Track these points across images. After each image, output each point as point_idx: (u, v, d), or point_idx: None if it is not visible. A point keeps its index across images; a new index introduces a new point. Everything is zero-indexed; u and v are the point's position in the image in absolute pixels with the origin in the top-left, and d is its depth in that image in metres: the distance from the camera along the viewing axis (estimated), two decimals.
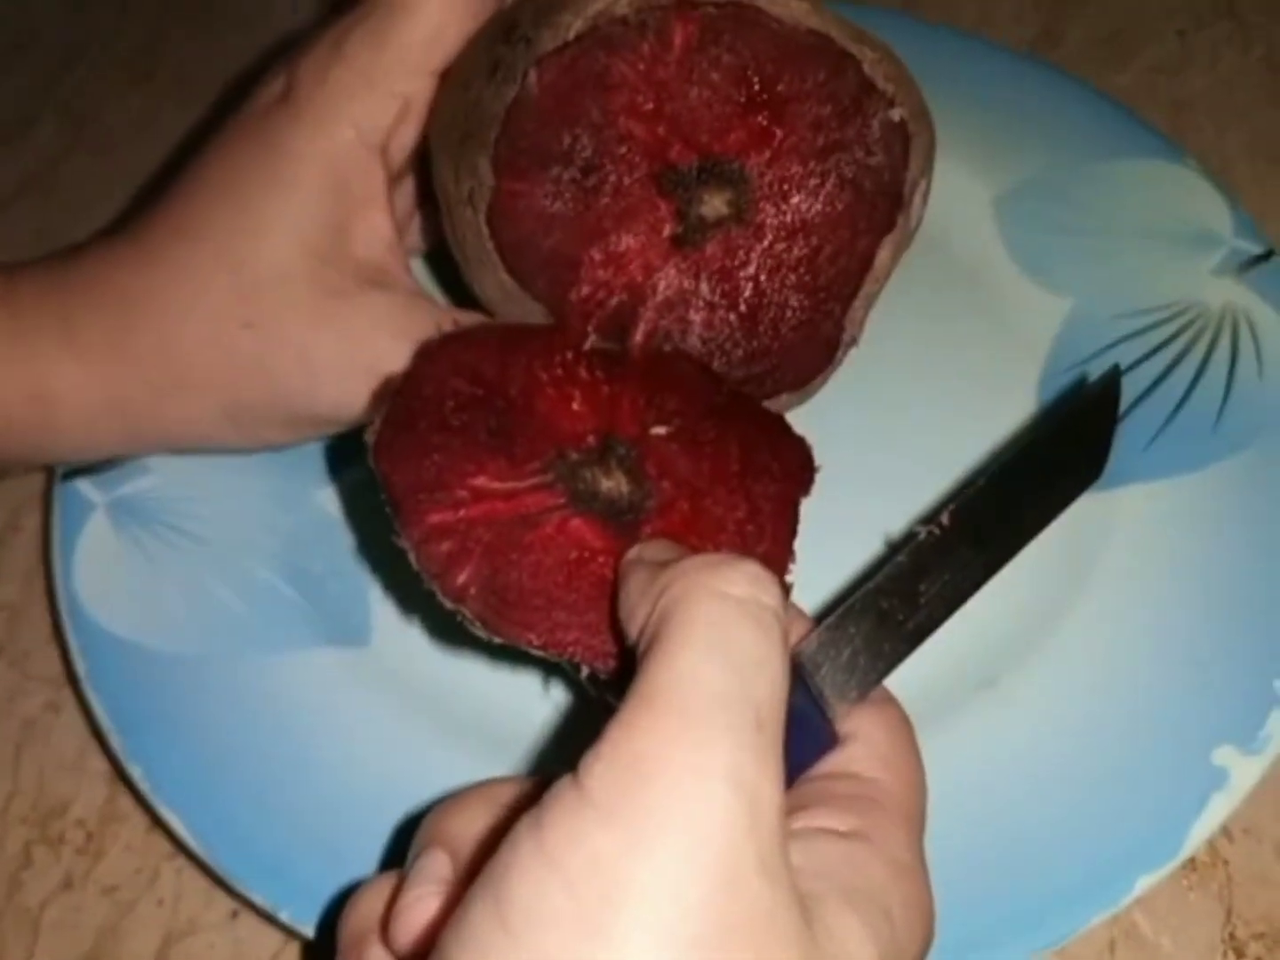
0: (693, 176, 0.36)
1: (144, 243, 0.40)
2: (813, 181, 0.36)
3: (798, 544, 0.34)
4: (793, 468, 0.36)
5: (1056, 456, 0.33)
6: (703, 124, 0.36)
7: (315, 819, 0.39)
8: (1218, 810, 0.37)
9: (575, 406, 0.34)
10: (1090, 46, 0.64)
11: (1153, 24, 0.65)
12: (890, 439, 0.47)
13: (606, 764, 0.23)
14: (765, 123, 0.36)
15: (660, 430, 0.34)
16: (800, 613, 0.32)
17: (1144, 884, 0.36)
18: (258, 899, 0.38)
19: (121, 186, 0.62)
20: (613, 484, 0.33)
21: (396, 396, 0.33)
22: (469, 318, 0.39)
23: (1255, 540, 0.43)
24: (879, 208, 0.37)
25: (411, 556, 0.31)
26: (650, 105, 0.35)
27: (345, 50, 0.39)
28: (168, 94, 0.66)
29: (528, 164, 0.36)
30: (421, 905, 0.28)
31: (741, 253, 0.37)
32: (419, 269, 0.48)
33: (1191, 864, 0.41)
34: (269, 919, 0.39)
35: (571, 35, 0.35)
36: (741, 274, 0.37)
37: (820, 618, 0.30)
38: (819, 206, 0.37)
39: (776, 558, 0.34)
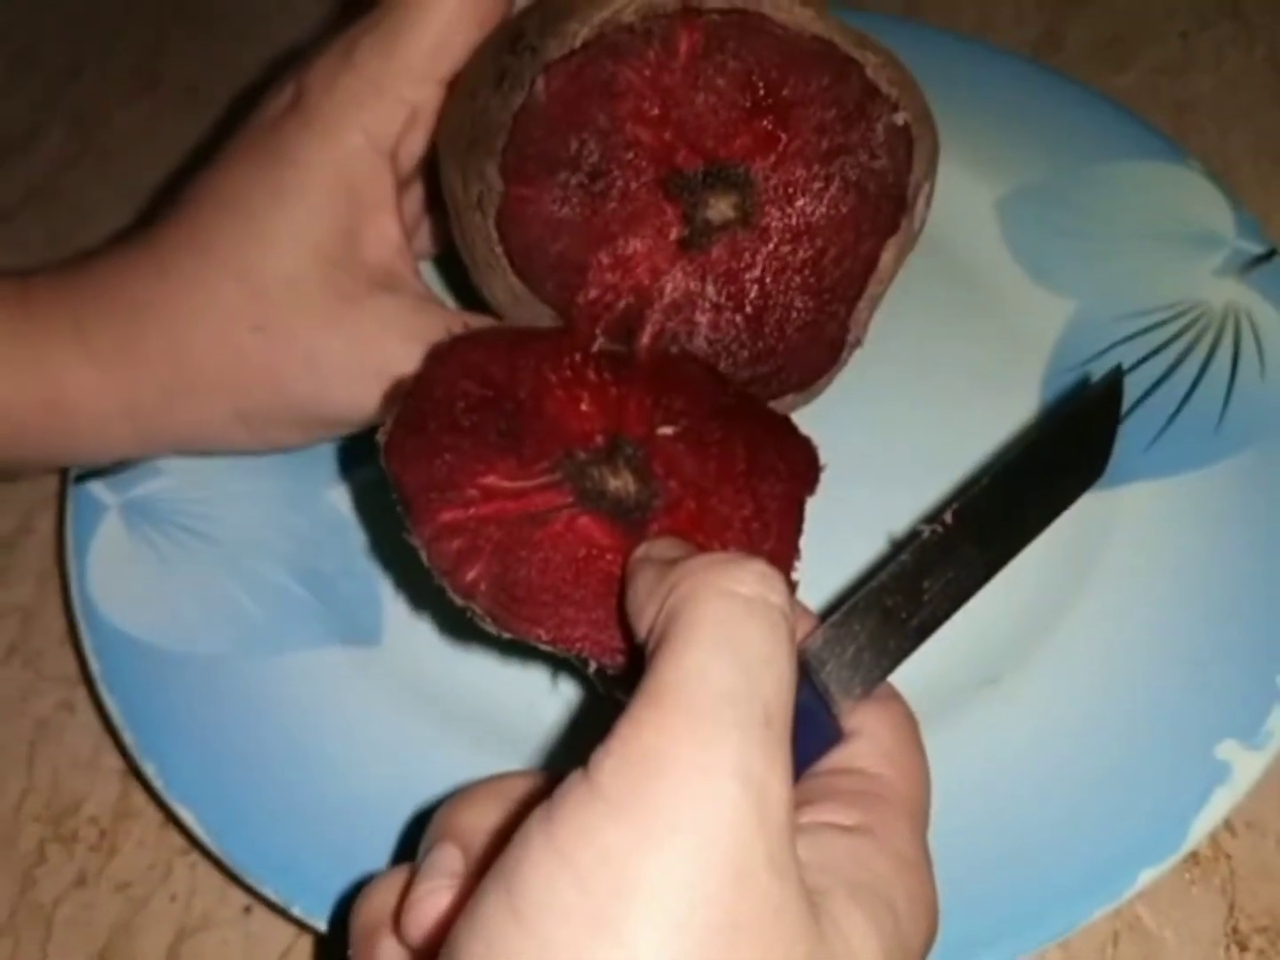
0: (699, 181, 0.37)
1: (156, 251, 0.41)
2: (817, 185, 0.37)
3: (803, 542, 0.35)
4: (798, 467, 0.36)
5: (1059, 456, 0.33)
6: (708, 129, 0.36)
7: (327, 815, 0.39)
8: (1220, 804, 0.38)
9: (583, 407, 0.35)
10: (1092, 49, 0.64)
11: (1155, 25, 0.65)
12: (894, 439, 0.48)
13: (617, 759, 0.24)
14: (770, 127, 0.36)
15: (667, 430, 0.35)
16: (805, 610, 0.32)
17: (1147, 877, 0.37)
18: (270, 894, 0.38)
19: (128, 193, 0.62)
20: (620, 483, 0.33)
21: (407, 398, 0.33)
22: (478, 321, 0.39)
23: (1257, 538, 0.43)
24: (883, 210, 0.37)
25: (422, 554, 0.31)
26: (656, 111, 0.36)
27: (354, 59, 0.39)
28: (173, 102, 0.67)
29: (535, 170, 0.36)
30: (433, 898, 0.28)
31: (747, 255, 0.37)
32: (428, 273, 0.49)
33: (1195, 858, 0.41)
34: (282, 914, 0.39)
35: (578, 43, 0.35)
36: (747, 276, 0.37)
37: (825, 615, 0.30)
38: (823, 209, 0.37)
39: (782, 556, 0.34)
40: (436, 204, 0.42)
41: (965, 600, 0.31)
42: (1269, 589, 0.42)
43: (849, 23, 0.37)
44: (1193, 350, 0.48)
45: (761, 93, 0.36)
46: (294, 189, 0.39)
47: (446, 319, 0.39)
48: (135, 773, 0.43)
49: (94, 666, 0.42)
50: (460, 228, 0.38)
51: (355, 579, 0.45)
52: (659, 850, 0.22)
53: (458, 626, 0.42)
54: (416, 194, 0.44)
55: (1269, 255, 0.49)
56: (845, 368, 0.40)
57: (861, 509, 0.44)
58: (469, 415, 0.33)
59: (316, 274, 0.39)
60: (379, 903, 0.30)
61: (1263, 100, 0.62)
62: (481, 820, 0.29)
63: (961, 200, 0.52)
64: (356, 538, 0.46)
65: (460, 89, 0.38)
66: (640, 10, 0.35)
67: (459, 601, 0.31)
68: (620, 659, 0.32)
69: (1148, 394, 0.47)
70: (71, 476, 0.46)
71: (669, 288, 0.37)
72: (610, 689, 0.32)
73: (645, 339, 0.37)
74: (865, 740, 0.29)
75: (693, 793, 0.23)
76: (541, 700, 0.43)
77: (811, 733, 0.29)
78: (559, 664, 0.42)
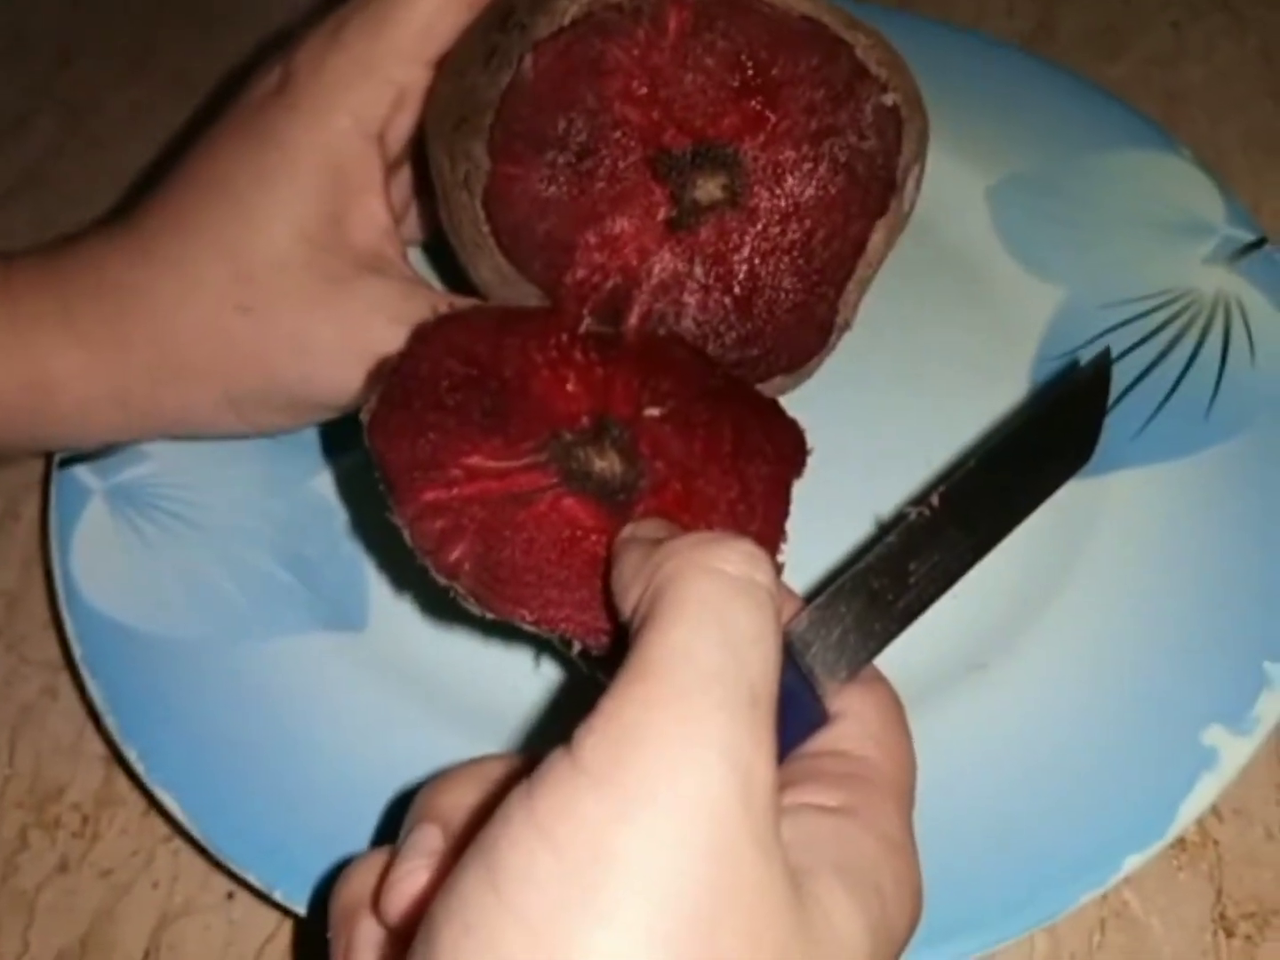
0: (687, 161, 0.36)
1: (141, 234, 0.40)
2: (806, 165, 0.37)
3: (789, 525, 0.35)
4: (785, 450, 0.36)
5: (1047, 439, 0.33)
6: (697, 109, 0.36)
7: (310, 799, 0.39)
8: (1207, 790, 0.38)
9: (569, 388, 0.34)
10: (1084, 39, 0.64)
11: (1147, 16, 0.65)
12: (883, 424, 0.48)
13: (599, 735, 0.23)
14: (759, 107, 0.36)
15: (654, 412, 0.35)
16: (791, 592, 0.32)
17: (1133, 863, 0.37)
18: (252, 879, 0.38)
19: (118, 180, 0.62)
20: (606, 464, 0.33)
21: (392, 376, 0.33)
22: (465, 303, 0.39)
23: (1247, 525, 0.43)
24: (872, 191, 0.37)
25: (405, 533, 0.31)
26: (645, 90, 0.36)
27: (342, 39, 0.39)
28: (164, 88, 0.67)
29: (523, 148, 0.36)
30: (412, 878, 0.28)
31: (735, 236, 0.37)
32: (417, 259, 0.49)
33: (1182, 844, 0.41)
34: (265, 900, 0.39)
35: (567, 21, 0.35)
36: (735, 257, 0.37)
37: (810, 598, 0.30)
38: (812, 190, 0.37)
39: (768, 538, 0.34)
40: (425, 188, 0.42)
41: (952, 583, 0.31)
42: (1257, 575, 0.42)
43: (838, 4, 0.36)
44: (1182, 337, 0.48)
45: (750, 72, 0.36)
46: (280, 171, 0.39)
47: (434, 301, 0.39)
48: (118, 759, 0.43)
49: (77, 650, 0.42)
50: (447, 208, 0.38)
51: (340, 564, 0.45)
52: (639, 821, 0.22)
53: (441, 608, 0.41)
54: (405, 178, 0.44)
55: (1259, 243, 0.49)
56: (834, 353, 0.40)
57: (848, 493, 0.44)
58: (454, 394, 0.33)
59: (303, 256, 0.39)
60: (358, 884, 0.30)
61: (1254, 91, 0.62)
62: (462, 801, 0.29)
63: (952, 188, 0.52)
64: (342, 523, 0.46)
65: (449, 68, 0.38)
66: None
67: (442, 582, 0.31)
68: (604, 640, 0.31)
69: (1137, 381, 0.47)
70: (56, 461, 0.46)
71: (657, 268, 0.37)
72: (594, 670, 0.32)
73: (633, 320, 0.37)
74: (850, 722, 0.29)
75: (675, 766, 0.23)
76: (525, 683, 0.43)
77: (796, 715, 0.29)
78: (542, 645, 0.42)
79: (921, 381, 0.49)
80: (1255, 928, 0.39)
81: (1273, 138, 0.60)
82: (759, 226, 0.37)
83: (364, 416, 0.32)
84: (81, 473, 0.46)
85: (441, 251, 0.44)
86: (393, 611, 0.44)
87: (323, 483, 0.47)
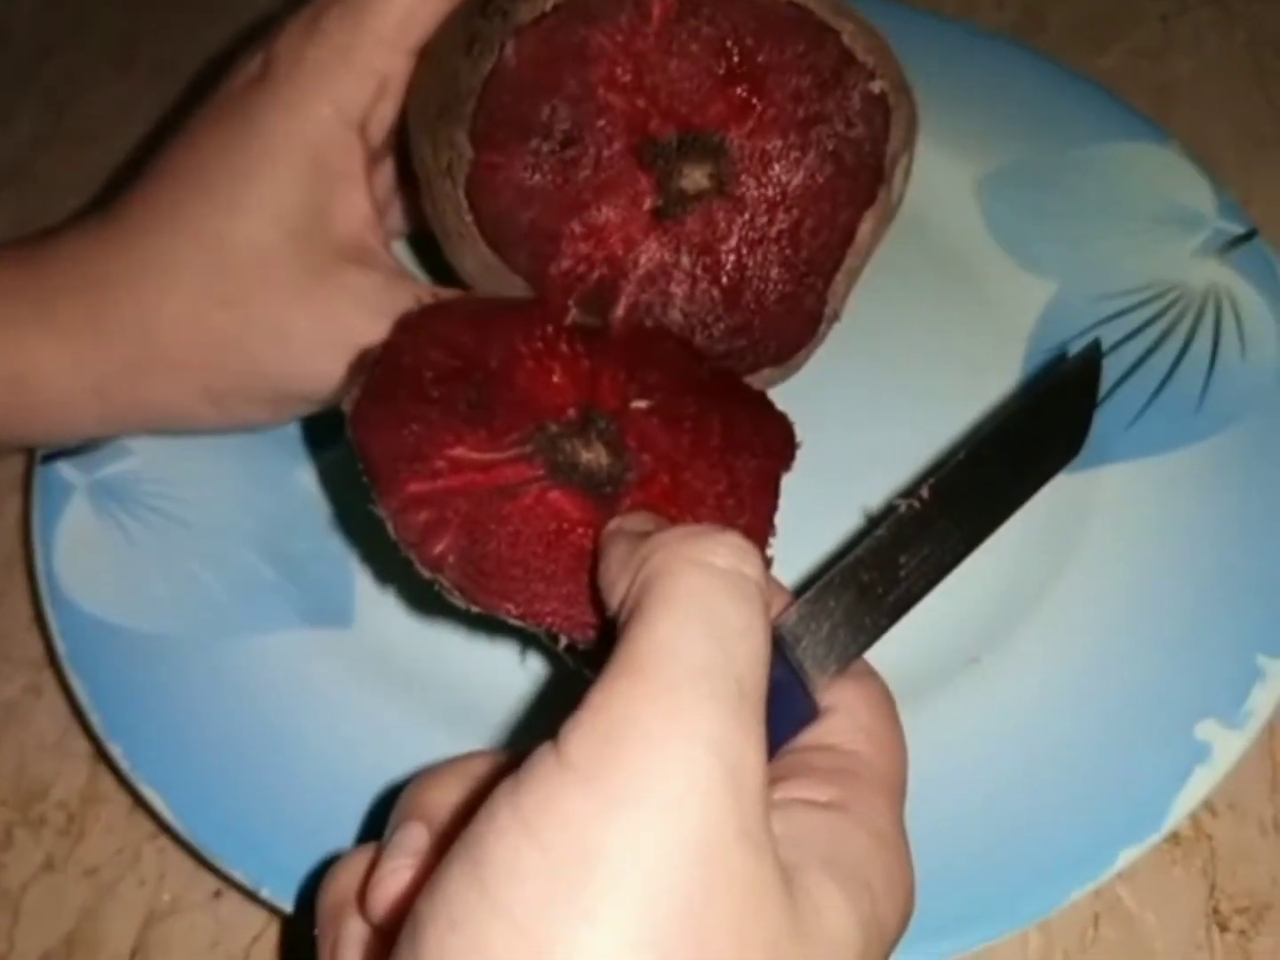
0: (673, 149, 0.36)
1: (121, 226, 0.40)
2: (793, 154, 0.36)
3: (778, 519, 0.34)
4: (774, 443, 0.35)
5: (1037, 430, 0.33)
6: (682, 96, 0.36)
7: (296, 797, 0.39)
8: (1200, 784, 0.37)
9: (555, 379, 0.34)
10: (1073, 31, 0.64)
11: (1136, 8, 0.65)
12: (873, 418, 0.48)
13: (586, 730, 0.23)
14: (745, 95, 0.36)
15: (641, 404, 0.34)
16: (780, 586, 0.32)
17: (1126, 857, 0.36)
18: (239, 876, 0.38)
19: (102, 174, 0.61)
20: (592, 456, 0.33)
21: (375, 367, 0.32)
22: (450, 294, 0.38)
23: (1239, 517, 0.43)
24: (860, 180, 0.37)
25: (389, 526, 0.31)
26: (629, 77, 0.35)
27: (322, 28, 0.39)
28: (147, 81, 0.66)
29: (506, 136, 0.35)
30: (397, 876, 0.27)
31: (722, 226, 0.37)
32: (401, 252, 0.48)
33: (1175, 839, 0.41)
34: (252, 898, 0.38)
35: (549, 7, 0.34)
36: (723, 247, 0.37)
37: (800, 592, 0.30)
38: (800, 179, 0.36)
39: (757, 532, 0.34)
40: (408, 179, 0.41)
41: (942, 576, 0.31)
42: (1250, 568, 0.42)
43: None
44: (1173, 330, 0.48)
45: (736, 59, 0.35)
46: (261, 162, 0.39)
47: (418, 293, 0.38)
48: (103, 756, 0.42)
49: (60, 647, 0.42)
50: (430, 197, 0.38)
51: (324, 560, 0.45)
52: (626, 817, 0.22)
53: (427, 603, 0.41)
54: (388, 169, 0.43)
55: (1249, 235, 0.49)
56: (824, 346, 0.39)
57: (838, 487, 0.44)
58: (438, 385, 0.32)
59: (285, 248, 0.38)
60: (344, 881, 0.30)
61: (1243, 84, 0.62)
62: (447, 798, 0.29)
63: (942, 181, 0.52)
64: (326, 518, 0.46)
65: (430, 55, 0.38)
66: None
67: (427, 575, 0.31)
68: (591, 634, 0.31)
69: (1128, 374, 0.47)
70: (38, 456, 0.46)
71: (643, 259, 0.37)
72: (580, 665, 0.32)
73: (619, 311, 0.37)
74: (841, 717, 0.29)
75: (663, 761, 0.22)
76: (510, 679, 0.42)
77: (786, 710, 0.29)
78: (528, 640, 0.41)
79: (912, 375, 0.49)
80: (1249, 922, 0.39)
81: (1262, 130, 0.59)
82: (746, 216, 0.37)
83: (346, 408, 0.32)
84: (64, 468, 0.46)
85: (426, 244, 0.44)
86: (378, 607, 0.44)
87: (308, 478, 0.47)
